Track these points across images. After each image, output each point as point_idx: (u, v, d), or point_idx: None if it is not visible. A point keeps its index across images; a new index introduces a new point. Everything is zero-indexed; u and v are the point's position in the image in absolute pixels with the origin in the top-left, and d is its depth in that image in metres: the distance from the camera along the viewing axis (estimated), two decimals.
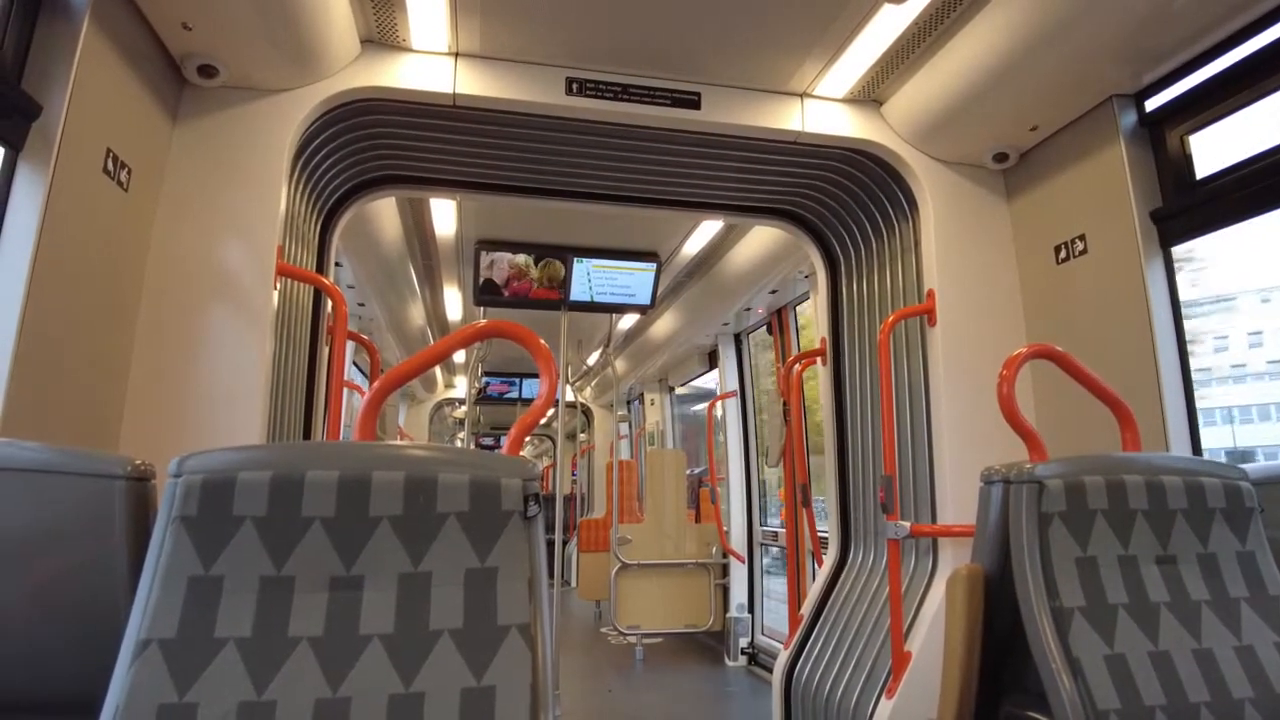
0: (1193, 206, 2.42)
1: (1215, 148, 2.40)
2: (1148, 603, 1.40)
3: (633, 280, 5.05)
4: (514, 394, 10.03)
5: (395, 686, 1.00)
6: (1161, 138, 2.55)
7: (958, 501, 2.78)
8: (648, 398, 9.49)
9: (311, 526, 1.05)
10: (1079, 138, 2.75)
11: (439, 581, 1.06)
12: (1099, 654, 1.32)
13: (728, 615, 6.23)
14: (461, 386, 10.28)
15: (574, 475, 12.59)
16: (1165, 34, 2.29)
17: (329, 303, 2.94)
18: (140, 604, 1.01)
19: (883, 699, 2.72)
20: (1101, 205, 2.64)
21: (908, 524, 2.71)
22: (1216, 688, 1.34)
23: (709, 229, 4.68)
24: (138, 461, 1.22)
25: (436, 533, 1.08)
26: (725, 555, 6.37)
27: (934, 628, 2.68)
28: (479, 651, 1.03)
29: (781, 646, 3.56)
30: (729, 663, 6.04)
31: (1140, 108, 2.59)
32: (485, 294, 4.83)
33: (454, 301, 6.34)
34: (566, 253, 4.85)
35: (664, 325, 6.71)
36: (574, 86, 2.79)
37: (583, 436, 12.47)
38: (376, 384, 1.44)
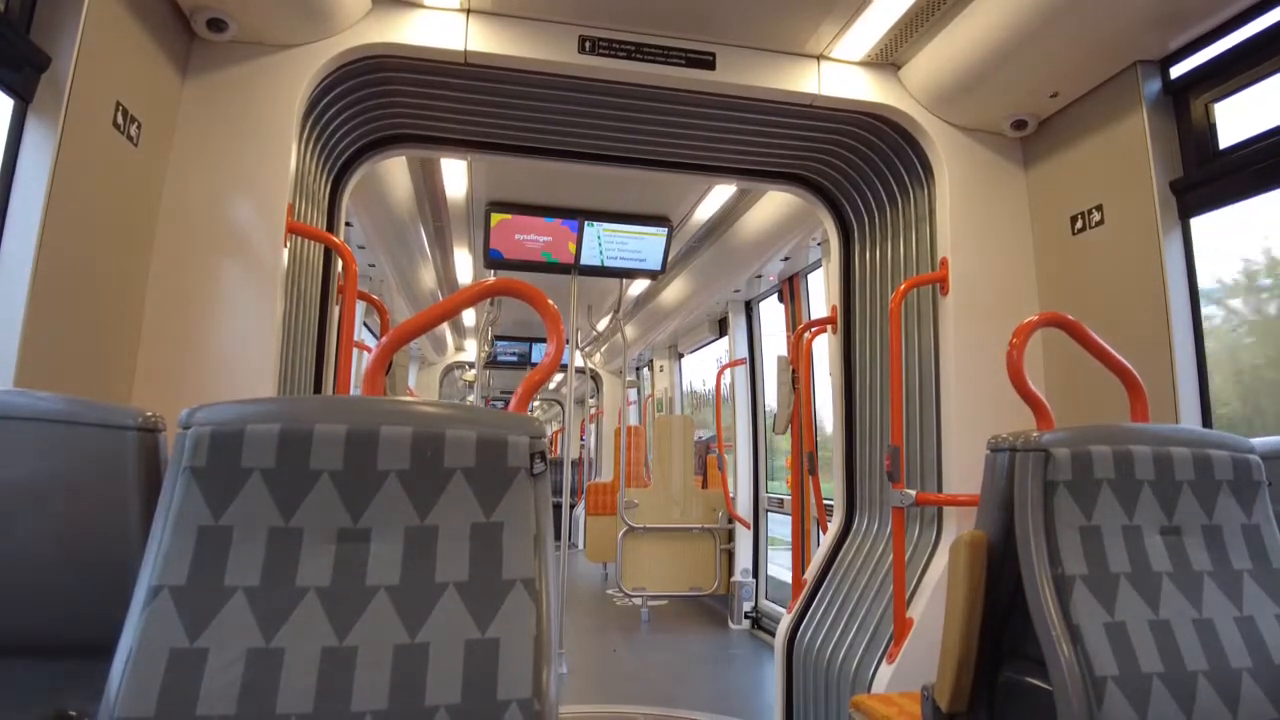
0: (1214, 177, 2.38)
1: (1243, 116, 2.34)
2: (1150, 572, 1.40)
3: (644, 245, 5.03)
4: (524, 356, 10.05)
5: (401, 637, 1.01)
6: (1185, 106, 2.50)
7: (964, 471, 2.78)
8: (657, 364, 9.51)
9: (319, 479, 1.06)
10: (1100, 105, 2.69)
11: (445, 535, 1.08)
12: (1099, 621, 1.33)
13: (732, 579, 6.30)
14: (472, 350, 10.32)
15: (583, 440, 12.68)
16: None
17: (339, 262, 2.94)
18: (152, 552, 1.02)
19: (883, 664, 2.75)
20: (1120, 175, 2.60)
21: (913, 492, 2.72)
22: (1215, 657, 1.34)
23: (721, 194, 4.63)
24: (148, 413, 1.23)
25: (443, 487, 1.09)
26: (731, 521, 6.42)
27: (936, 595, 2.70)
28: (484, 604, 1.05)
29: (785, 611, 3.60)
30: (733, 626, 6.12)
31: (1165, 74, 2.53)
32: (495, 257, 4.82)
33: (464, 264, 6.33)
34: (578, 216, 4.82)
35: (674, 291, 6.69)
36: (586, 45, 2.75)
37: (591, 402, 12.51)
38: (385, 338, 1.44)
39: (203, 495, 1.04)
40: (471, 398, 10.96)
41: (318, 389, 2.92)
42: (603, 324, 8.62)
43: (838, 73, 2.95)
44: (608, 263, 5.02)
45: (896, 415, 2.84)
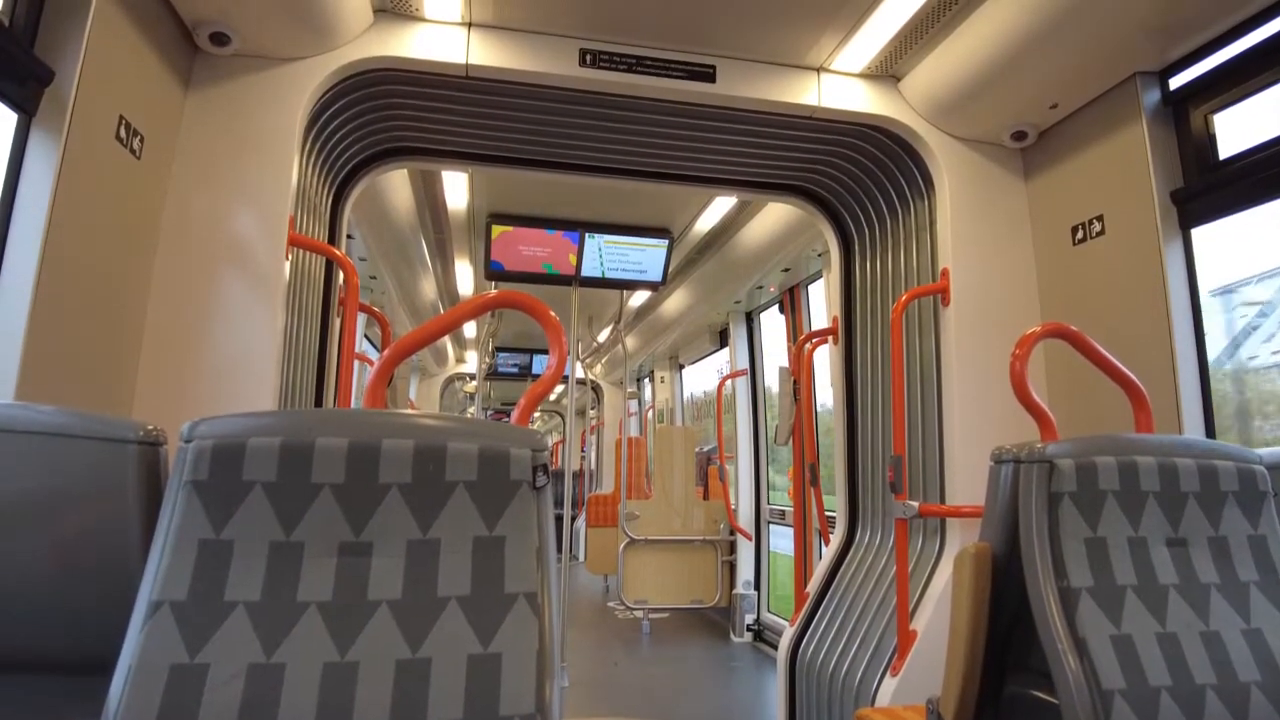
0: (1215, 188, 2.38)
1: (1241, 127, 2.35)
2: (1156, 584, 1.39)
3: (645, 257, 5.03)
4: (525, 367, 10.05)
5: (402, 652, 1.01)
6: (1185, 116, 2.50)
7: (967, 483, 2.77)
8: (658, 375, 9.51)
9: (321, 493, 1.05)
10: (1100, 116, 2.70)
11: (447, 549, 1.07)
12: (1105, 634, 1.32)
13: (734, 592, 6.27)
14: (472, 361, 10.31)
15: (583, 452, 12.66)
16: (1194, 7, 2.23)
17: (340, 274, 2.94)
18: (152, 566, 1.02)
19: (887, 677, 2.73)
20: (1121, 186, 2.60)
21: (916, 504, 2.71)
22: (1223, 670, 1.33)
23: (722, 205, 4.64)
24: (149, 426, 1.23)
25: (445, 501, 1.08)
26: (733, 532, 6.40)
27: (939, 607, 2.68)
28: (486, 618, 1.04)
29: (787, 623, 3.58)
30: (734, 639, 6.09)
31: (1164, 85, 2.54)
32: (496, 268, 4.83)
33: (465, 276, 6.34)
34: (578, 227, 4.83)
35: (675, 302, 6.70)
36: (587, 58, 2.76)
37: (592, 413, 12.49)
38: (387, 351, 1.44)
39: (204, 509, 1.03)
40: (472, 409, 10.95)
41: (319, 402, 2.92)
42: (603, 335, 8.62)
43: (838, 84, 2.96)
44: (609, 274, 5.02)
45: (899, 426, 2.83)
